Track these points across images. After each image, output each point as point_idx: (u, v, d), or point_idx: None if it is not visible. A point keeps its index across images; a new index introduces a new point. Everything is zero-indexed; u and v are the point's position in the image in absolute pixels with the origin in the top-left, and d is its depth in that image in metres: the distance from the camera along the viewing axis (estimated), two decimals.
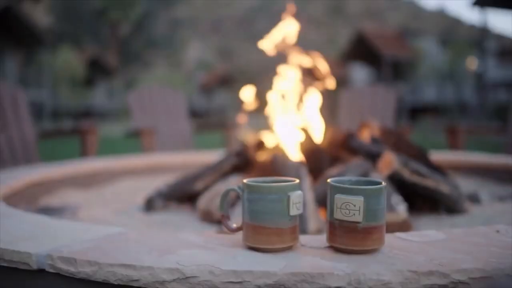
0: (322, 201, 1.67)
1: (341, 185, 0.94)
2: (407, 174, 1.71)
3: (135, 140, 4.47)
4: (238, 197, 1.70)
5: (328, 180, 0.96)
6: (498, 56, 25.40)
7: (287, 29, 2.32)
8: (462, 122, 14.09)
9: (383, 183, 0.94)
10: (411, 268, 0.82)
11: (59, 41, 29.72)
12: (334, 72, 2.29)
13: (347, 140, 2.01)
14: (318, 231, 1.48)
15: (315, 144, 2.03)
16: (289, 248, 0.93)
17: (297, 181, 0.95)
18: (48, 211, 1.82)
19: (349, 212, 0.90)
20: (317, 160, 1.96)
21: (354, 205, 0.90)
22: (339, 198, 0.91)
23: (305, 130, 2.06)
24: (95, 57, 29.54)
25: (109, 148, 7.83)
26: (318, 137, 2.13)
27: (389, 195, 1.58)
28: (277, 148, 2.04)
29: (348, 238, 0.91)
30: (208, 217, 1.75)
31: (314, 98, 2.28)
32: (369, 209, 0.90)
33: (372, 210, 0.90)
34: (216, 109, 29.59)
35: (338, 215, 0.91)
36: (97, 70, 29.51)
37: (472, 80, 25.60)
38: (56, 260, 0.89)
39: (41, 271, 0.91)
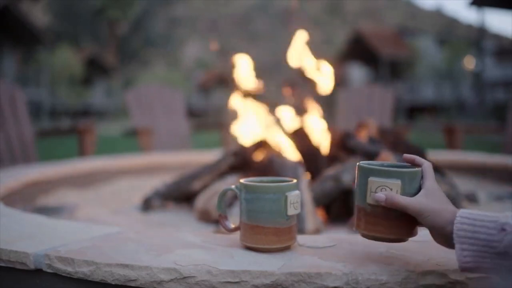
0: (319, 201, 1.67)
1: (377, 167, 0.85)
2: None
3: (133, 139, 4.47)
4: (235, 197, 1.70)
5: (359, 163, 0.88)
6: (496, 56, 25.45)
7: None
8: (460, 121, 14.11)
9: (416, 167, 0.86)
10: (408, 268, 0.82)
11: (57, 40, 29.70)
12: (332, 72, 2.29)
13: (344, 140, 2.01)
14: (316, 231, 1.48)
15: (312, 144, 2.03)
16: (286, 248, 0.93)
17: (295, 181, 0.95)
18: (45, 210, 1.81)
19: None
20: (315, 160, 1.96)
21: (391, 189, 0.82)
22: (374, 181, 0.83)
23: (302, 130, 2.05)
24: (93, 56, 29.49)
25: (107, 147, 7.82)
26: (316, 137, 2.13)
27: None
28: (274, 148, 2.04)
29: (382, 225, 0.83)
30: (205, 217, 1.75)
31: (313, 97, 2.28)
32: (406, 193, 0.82)
33: (408, 194, 0.82)
34: (214, 108, 29.56)
35: (371, 200, 0.84)
36: (95, 69, 29.48)
37: (470, 79, 25.65)
38: (53, 260, 0.89)
39: (38, 271, 0.91)
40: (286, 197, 0.91)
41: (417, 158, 0.86)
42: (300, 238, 1.00)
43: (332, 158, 2.00)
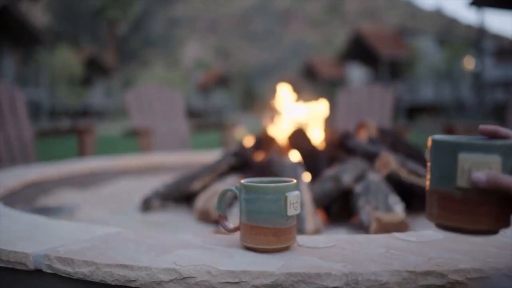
0: (319, 201, 1.67)
1: (469, 141, 0.67)
2: (404, 174, 1.71)
3: (133, 140, 4.47)
4: (235, 197, 1.70)
5: (437, 137, 0.71)
6: (495, 56, 25.47)
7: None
8: (460, 122, 14.12)
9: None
10: (408, 268, 0.82)
11: (57, 40, 29.73)
12: (331, 72, 2.28)
13: (344, 140, 2.01)
14: (316, 231, 1.48)
15: (312, 144, 2.03)
16: (286, 248, 0.93)
17: (295, 181, 0.95)
18: (45, 211, 1.81)
19: None
20: (314, 160, 1.96)
21: (490, 168, 0.64)
22: (467, 158, 0.65)
23: (302, 130, 2.05)
24: (93, 56, 29.50)
25: (107, 147, 7.82)
26: (316, 137, 2.13)
27: (386, 195, 1.58)
28: (274, 148, 2.04)
29: (477, 214, 0.66)
30: (205, 217, 1.75)
31: (313, 98, 2.28)
32: (504, 172, 0.65)
33: (507, 173, 0.65)
34: (213, 109, 29.56)
35: (464, 182, 0.66)
36: (95, 69, 29.49)
37: (470, 79, 25.67)
38: (53, 260, 0.89)
39: (38, 271, 0.91)
40: (286, 198, 0.91)
41: (500, 129, 0.69)
42: (300, 239, 1.00)
43: (332, 158, 2.00)
